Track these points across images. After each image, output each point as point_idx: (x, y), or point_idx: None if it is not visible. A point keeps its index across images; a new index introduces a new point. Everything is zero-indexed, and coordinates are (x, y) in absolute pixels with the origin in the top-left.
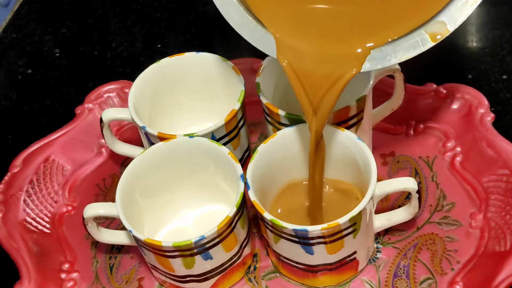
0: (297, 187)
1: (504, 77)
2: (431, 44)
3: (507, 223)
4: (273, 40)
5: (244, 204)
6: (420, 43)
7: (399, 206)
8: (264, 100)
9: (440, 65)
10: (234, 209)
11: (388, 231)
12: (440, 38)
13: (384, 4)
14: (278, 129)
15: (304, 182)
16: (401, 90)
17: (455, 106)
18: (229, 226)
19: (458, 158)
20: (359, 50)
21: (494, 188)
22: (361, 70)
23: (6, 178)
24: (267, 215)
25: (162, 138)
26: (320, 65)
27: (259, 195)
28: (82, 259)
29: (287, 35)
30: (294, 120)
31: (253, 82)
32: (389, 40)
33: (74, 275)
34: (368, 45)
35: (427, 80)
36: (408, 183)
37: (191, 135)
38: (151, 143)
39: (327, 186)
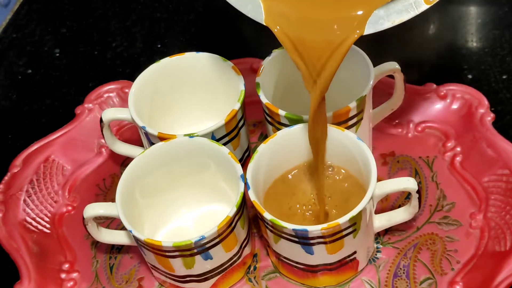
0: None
1: (504, 77)
2: (425, 6)
3: (507, 223)
4: (260, 3)
5: (244, 204)
6: (413, 5)
7: (399, 206)
8: (264, 100)
9: (440, 65)
10: (234, 209)
11: (388, 231)
12: (434, 0)
13: None
14: (278, 129)
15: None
16: (401, 90)
17: (455, 106)
18: (229, 226)
19: (458, 158)
20: (359, 12)
21: (494, 188)
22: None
23: (6, 178)
24: (267, 215)
25: (162, 138)
26: (318, 30)
27: (259, 195)
28: (82, 259)
29: None
30: (294, 120)
31: (253, 82)
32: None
33: (74, 275)
34: (365, 7)
35: (427, 80)
36: (408, 183)
37: (191, 135)
38: (151, 143)
39: (329, 171)
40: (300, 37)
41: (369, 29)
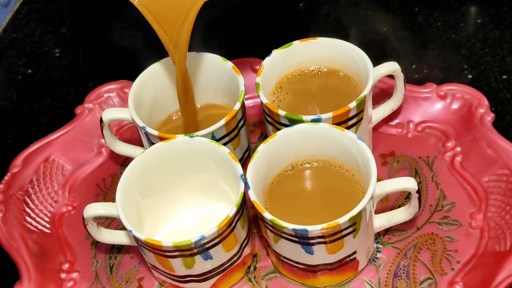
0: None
1: (504, 77)
2: None
3: (507, 223)
4: None
5: (244, 204)
6: None
7: (399, 206)
8: (264, 100)
9: (440, 65)
10: (234, 209)
11: (388, 231)
12: None
13: None
14: (278, 129)
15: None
16: (401, 90)
17: (455, 106)
18: (229, 226)
19: (458, 158)
20: None
21: (494, 188)
22: None
23: (6, 178)
24: (267, 215)
25: (162, 138)
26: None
27: (259, 195)
28: (82, 259)
29: None
30: (294, 120)
31: (253, 82)
32: None
33: (74, 275)
34: None
35: (427, 80)
36: (408, 183)
37: (191, 135)
38: (151, 143)
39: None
40: (156, 7)
41: None
